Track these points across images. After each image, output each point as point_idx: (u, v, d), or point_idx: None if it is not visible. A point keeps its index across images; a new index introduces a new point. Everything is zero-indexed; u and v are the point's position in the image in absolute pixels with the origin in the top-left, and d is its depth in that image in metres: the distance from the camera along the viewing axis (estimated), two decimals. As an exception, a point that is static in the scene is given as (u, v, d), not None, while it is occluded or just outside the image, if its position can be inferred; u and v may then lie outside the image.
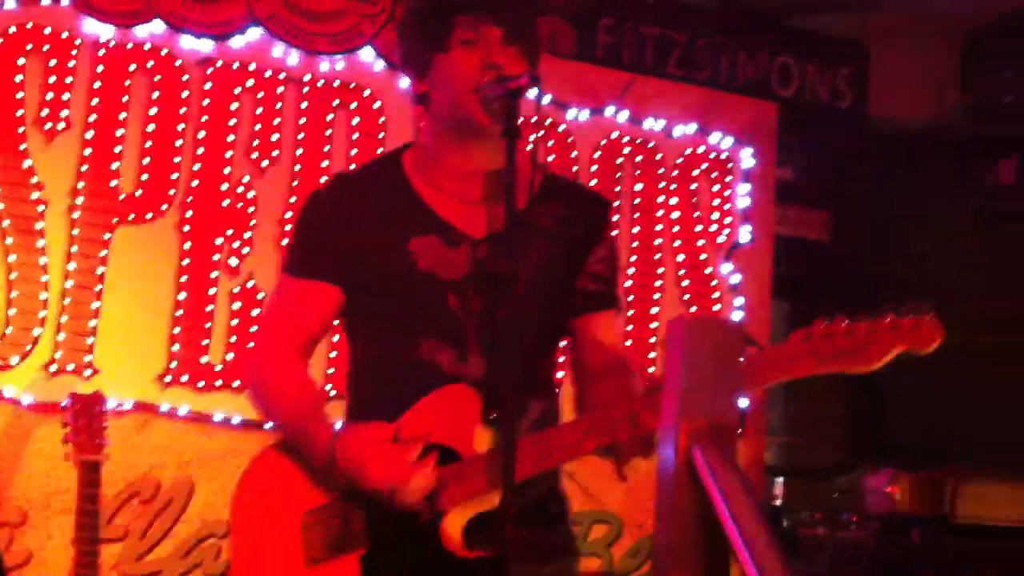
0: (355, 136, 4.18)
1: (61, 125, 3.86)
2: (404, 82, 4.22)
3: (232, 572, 2.10)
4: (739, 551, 1.34)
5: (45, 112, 3.84)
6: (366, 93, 4.20)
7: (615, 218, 2.31)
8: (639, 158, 4.53)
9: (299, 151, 4.10)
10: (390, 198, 2.12)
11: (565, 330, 2.19)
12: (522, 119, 1.99)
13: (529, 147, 2.20)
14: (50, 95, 3.85)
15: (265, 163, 4.07)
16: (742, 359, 1.71)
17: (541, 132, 4.23)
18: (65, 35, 3.89)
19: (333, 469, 1.97)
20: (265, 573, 2.05)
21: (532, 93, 2.00)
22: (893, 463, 3.99)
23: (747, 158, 4.68)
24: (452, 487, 1.94)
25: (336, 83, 4.18)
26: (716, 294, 4.54)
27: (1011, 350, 4.43)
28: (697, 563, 1.53)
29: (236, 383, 3.90)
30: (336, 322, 2.20)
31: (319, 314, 2.14)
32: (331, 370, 3.90)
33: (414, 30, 2.14)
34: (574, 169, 4.41)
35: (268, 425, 3.83)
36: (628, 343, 4.31)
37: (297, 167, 4.10)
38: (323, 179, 4.08)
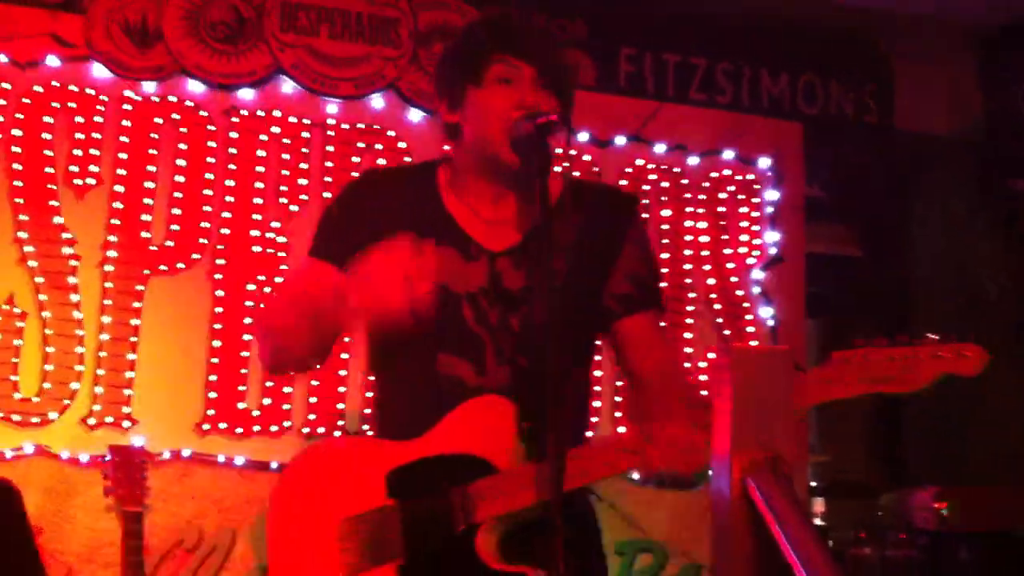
0: (381, 177, 4.20)
1: (91, 180, 3.91)
2: (428, 122, 4.28)
3: None
4: (803, 582, 1.33)
5: (74, 168, 3.89)
6: (390, 134, 4.23)
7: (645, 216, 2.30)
8: (665, 184, 4.54)
9: (327, 194, 4.13)
10: (416, 202, 2.15)
11: (595, 339, 2.20)
12: (552, 153, 2.02)
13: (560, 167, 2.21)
14: (78, 151, 3.90)
15: (294, 208, 4.09)
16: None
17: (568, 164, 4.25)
18: (91, 92, 3.93)
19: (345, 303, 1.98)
20: None
21: (560, 131, 2.01)
22: (932, 480, 3.96)
23: (774, 178, 4.67)
24: (489, 500, 1.94)
25: (361, 126, 4.21)
26: (749, 316, 4.52)
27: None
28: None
29: (274, 428, 3.92)
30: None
31: (327, 295, 2.09)
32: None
33: (452, 60, 2.18)
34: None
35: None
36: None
37: (325, 210, 4.12)
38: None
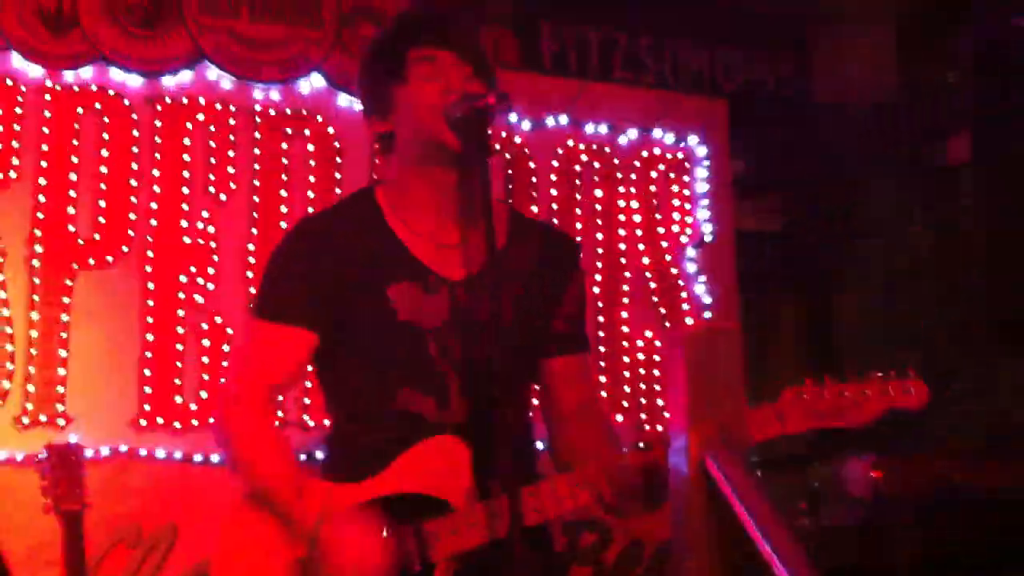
0: (312, 163, 4.17)
1: (13, 174, 3.81)
2: (356, 105, 4.23)
3: None
4: (764, 551, 1.37)
5: (-5, 162, 3.79)
6: (319, 119, 4.19)
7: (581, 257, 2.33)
8: (596, 164, 4.56)
9: (256, 182, 4.08)
10: (368, 239, 2.10)
11: (535, 372, 2.19)
12: (491, 136, 2.03)
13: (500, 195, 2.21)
14: (-1, 144, 3.81)
15: (223, 196, 4.04)
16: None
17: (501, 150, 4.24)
18: (9, 83, 3.84)
19: (313, 547, 1.94)
20: None
21: (498, 112, 2.02)
22: (858, 449, 4.03)
23: (701, 156, 4.72)
24: (445, 539, 1.93)
25: (287, 111, 4.16)
26: (683, 293, 4.58)
27: (964, 331, 4.49)
28: (714, 563, 1.56)
29: (211, 421, 3.86)
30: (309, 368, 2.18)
31: (293, 360, 2.10)
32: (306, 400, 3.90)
33: (371, 69, 2.16)
34: (532, 180, 4.43)
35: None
36: (601, 349, 4.33)
37: (256, 198, 4.07)
38: (283, 208, 4.08)
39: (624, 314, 4.46)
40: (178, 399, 3.85)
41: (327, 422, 2.22)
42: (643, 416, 4.42)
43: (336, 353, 2.09)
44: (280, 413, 2.03)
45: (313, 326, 2.06)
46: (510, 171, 4.32)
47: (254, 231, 4.04)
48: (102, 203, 3.89)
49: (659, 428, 4.35)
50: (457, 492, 1.95)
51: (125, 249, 3.89)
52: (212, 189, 4.03)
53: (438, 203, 2.10)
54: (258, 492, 2.03)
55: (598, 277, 4.41)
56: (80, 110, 3.90)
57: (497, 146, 2.06)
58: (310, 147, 4.17)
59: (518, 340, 2.04)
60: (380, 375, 2.04)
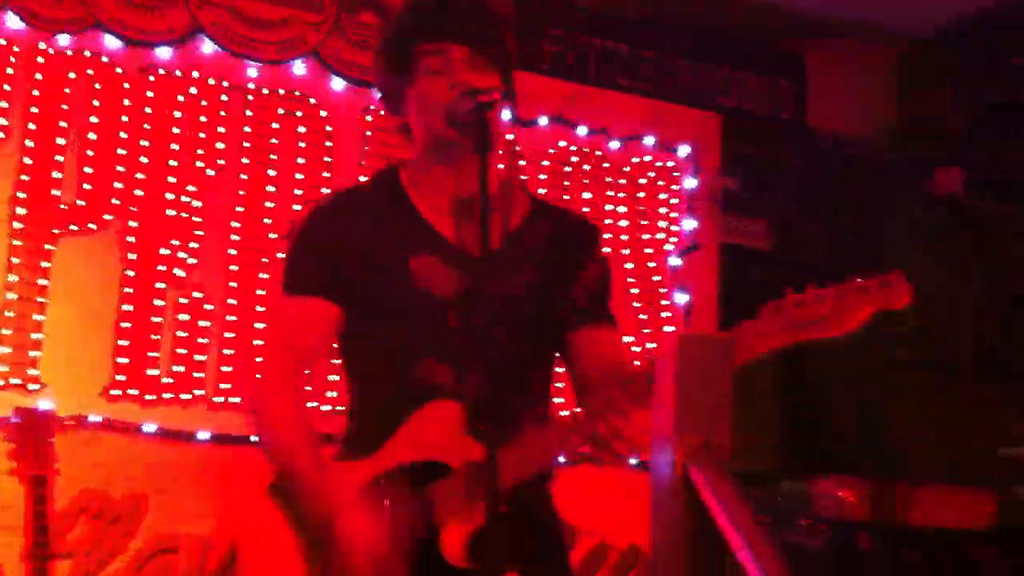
0: (301, 144, 4.15)
1: (0, 134, 3.77)
2: (349, 90, 4.23)
3: None
4: (745, 563, 1.37)
5: (-18, 120, 3.75)
6: (311, 101, 4.18)
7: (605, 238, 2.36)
8: (586, 167, 4.57)
9: (245, 160, 4.06)
10: (391, 214, 2.15)
11: (558, 346, 2.21)
12: (495, 134, 2.04)
13: (521, 165, 2.26)
14: (-13, 103, 3.76)
15: (211, 172, 4.02)
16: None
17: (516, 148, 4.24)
18: (2, 42, 3.80)
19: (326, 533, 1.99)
20: None
21: (505, 108, 2.04)
22: (829, 470, 4.05)
23: (692, 167, 4.74)
24: (447, 501, 1.96)
25: (281, 91, 4.15)
26: (665, 301, 4.59)
27: (939, 363, 4.51)
28: (692, 571, 1.56)
29: (184, 395, 3.85)
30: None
31: (317, 333, 2.13)
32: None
33: (383, 66, 2.18)
34: (523, 178, 4.43)
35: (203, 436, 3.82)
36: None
37: (243, 176, 4.05)
38: (270, 188, 4.07)
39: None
40: (152, 371, 3.82)
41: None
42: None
43: (359, 326, 2.12)
44: (308, 388, 2.13)
45: (334, 298, 2.11)
46: (501, 167, 4.32)
47: (239, 208, 4.03)
48: (88, 170, 3.85)
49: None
50: (455, 453, 1.97)
51: (108, 217, 3.86)
52: (200, 163, 4.00)
53: (455, 187, 2.13)
54: (286, 471, 2.07)
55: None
56: (72, 75, 3.86)
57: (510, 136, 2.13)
58: (301, 128, 4.16)
59: (534, 313, 2.10)
60: (402, 346, 2.07)
